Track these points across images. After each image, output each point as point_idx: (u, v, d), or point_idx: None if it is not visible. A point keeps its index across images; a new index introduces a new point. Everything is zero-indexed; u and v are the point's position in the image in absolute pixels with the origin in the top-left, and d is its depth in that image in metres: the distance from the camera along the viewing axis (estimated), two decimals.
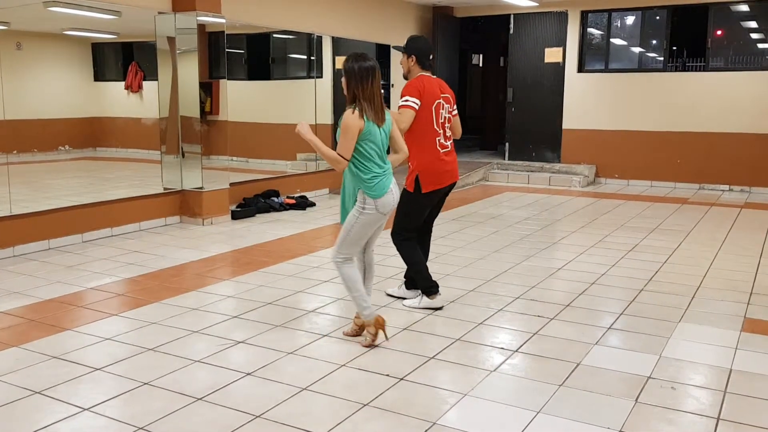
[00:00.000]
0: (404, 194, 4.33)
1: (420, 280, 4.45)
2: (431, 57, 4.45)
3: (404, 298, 4.60)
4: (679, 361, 3.65)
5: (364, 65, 3.62)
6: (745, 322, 4.28)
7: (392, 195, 3.74)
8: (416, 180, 4.33)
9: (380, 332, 3.81)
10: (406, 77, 4.45)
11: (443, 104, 4.38)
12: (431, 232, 4.73)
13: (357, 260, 3.93)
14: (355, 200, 3.75)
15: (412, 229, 4.46)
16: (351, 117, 3.58)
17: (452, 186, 4.51)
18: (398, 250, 4.48)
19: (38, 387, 3.28)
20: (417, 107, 4.25)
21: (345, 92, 3.70)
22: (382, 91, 3.81)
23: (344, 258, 3.76)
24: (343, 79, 3.69)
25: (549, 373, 3.46)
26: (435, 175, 4.34)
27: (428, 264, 4.64)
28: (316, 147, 3.65)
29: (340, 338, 3.96)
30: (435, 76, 4.46)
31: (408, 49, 4.39)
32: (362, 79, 3.61)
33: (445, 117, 4.40)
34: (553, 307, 4.56)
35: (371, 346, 3.78)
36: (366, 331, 3.82)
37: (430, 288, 4.43)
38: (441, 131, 4.37)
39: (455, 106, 4.54)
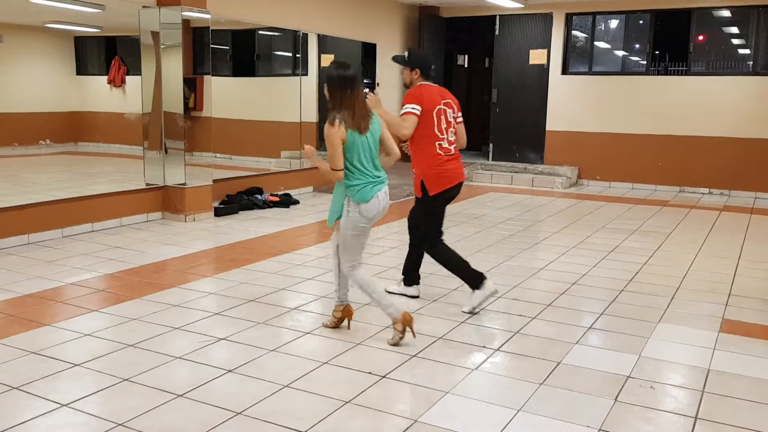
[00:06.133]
0: (416, 201, 4.54)
1: (466, 278, 4.47)
2: (432, 67, 4.52)
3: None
4: (658, 360, 3.69)
5: (343, 74, 3.62)
6: (723, 323, 4.34)
7: (378, 201, 3.74)
8: (422, 184, 4.39)
9: (407, 330, 3.78)
10: (407, 86, 4.50)
11: (445, 110, 4.42)
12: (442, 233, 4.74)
13: (333, 253, 3.96)
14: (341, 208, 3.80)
15: (435, 231, 4.52)
16: (329, 129, 3.61)
17: (460, 185, 4.52)
18: (433, 257, 4.55)
19: (16, 382, 3.24)
20: (418, 113, 4.30)
21: (328, 99, 3.72)
22: (376, 92, 3.87)
23: (352, 265, 3.80)
24: (325, 86, 3.70)
25: (530, 372, 3.49)
26: (439, 177, 4.38)
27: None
28: (320, 166, 3.76)
29: (323, 335, 3.96)
30: (436, 85, 4.51)
31: (411, 63, 4.44)
32: (342, 88, 3.62)
33: (448, 122, 4.43)
34: (534, 306, 4.59)
35: (398, 344, 3.77)
36: (394, 329, 3.79)
37: (477, 281, 4.43)
38: (443, 136, 4.40)
39: (460, 114, 4.58)
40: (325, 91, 3.72)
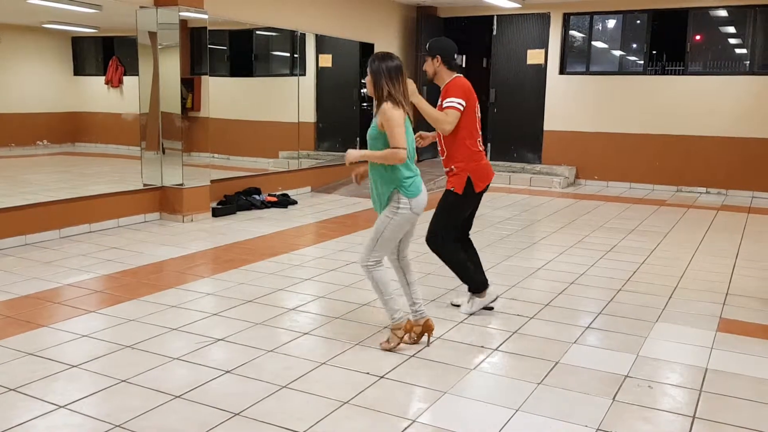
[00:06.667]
0: (449, 197, 4.27)
1: (468, 281, 4.36)
2: (456, 57, 4.30)
3: (486, 308, 4.43)
4: (656, 360, 3.69)
5: (391, 64, 3.58)
6: (720, 322, 4.34)
7: (425, 195, 3.70)
8: (468, 180, 4.18)
9: (405, 337, 3.73)
10: (431, 80, 4.29)
11: (477, 106, 4.29)
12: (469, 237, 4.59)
13: (394, 267, 3.87)
14: (386, 202, 3.64)
15: (453, 230, 4.34)
16: (393, 109, 3.50)
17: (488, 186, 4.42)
18: (440, 254, 4.35)
19: (13, 384, 3.23)
20: (462, 109, 4.11)
21: (371, 92, 3.63)
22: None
23: (375, 261, 3.67)
24: (368, 79, 3.63)
25: (528, 372, 3.49)
26: (483, 172, 4.25)
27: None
28: (370, 157, 3.60)
29: (321, 336, 3.96)
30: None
31: (431, 50, 4.20)
32: (393, 78, 3.56)
33: (479, 119, 4.31)
34: (532, 306, 4.59)
35: (391, 350, 3.70)
36: (392, 333, 3.72)
37: (479, 286, 4.35)
38: (480, 132, 4.30)
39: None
40: (368, 84, 3.63)
